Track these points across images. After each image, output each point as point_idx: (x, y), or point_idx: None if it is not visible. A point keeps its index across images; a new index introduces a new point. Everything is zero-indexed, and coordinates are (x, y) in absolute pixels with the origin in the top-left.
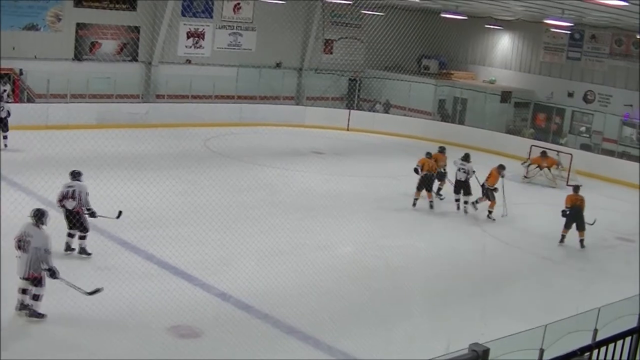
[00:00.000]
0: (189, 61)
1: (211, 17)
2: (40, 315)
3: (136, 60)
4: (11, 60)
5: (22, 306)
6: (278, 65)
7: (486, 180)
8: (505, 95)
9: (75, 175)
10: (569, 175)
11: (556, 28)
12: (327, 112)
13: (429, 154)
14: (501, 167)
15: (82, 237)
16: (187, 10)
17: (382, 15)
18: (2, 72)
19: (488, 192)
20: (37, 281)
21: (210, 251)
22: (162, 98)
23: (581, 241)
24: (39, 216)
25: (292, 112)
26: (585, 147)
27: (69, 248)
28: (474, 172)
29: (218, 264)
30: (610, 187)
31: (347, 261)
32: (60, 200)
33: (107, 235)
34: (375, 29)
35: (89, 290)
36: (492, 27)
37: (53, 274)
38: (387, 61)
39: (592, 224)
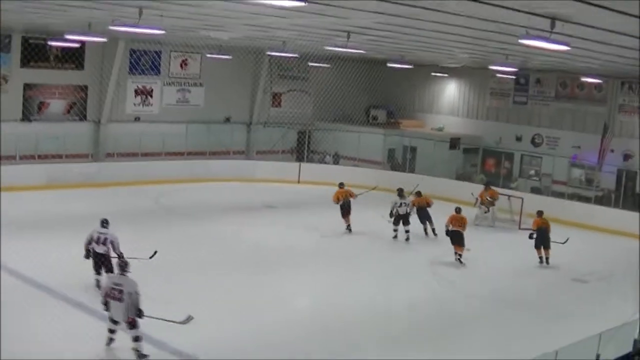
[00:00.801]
0: (137, 119)
1: (159, 73)
2: (144, 356)
3: (85, 119)
4: None
5: (110, 341)
6: (227, 120)
7: (450, 224)
8: (454, 142)
9: (105, 223)
10: (520, 219)
11: (501, 73)
12: (277, 166)
13: (341, 184)
14: (459, 210)
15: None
16: (134, 68)
17: (328, 67)
18: None
19: (454, 236)
20: (133, 324)
21: (162, 308)
22: (112, 156)
23: (547, 259)
24: (124, 266)
25: (243, 167)
26: (535, 190)
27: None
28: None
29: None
30: (562, 229)
31: (303, 316)
32: (89, 244)
33: (59, 296)
34: (322, 81)
35: (179, 320)
36: (438, 74)
37: (140, 313)
38: (335, 112)
39: (563, 243)
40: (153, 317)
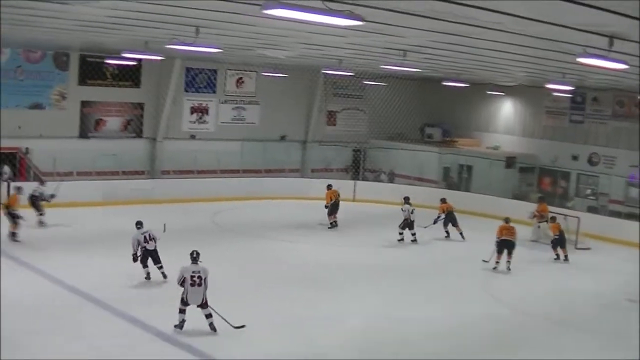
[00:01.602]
0: (193, 136)
1: (214, 92)
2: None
3: (141, 137)
4: (17, 139)
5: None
6: (282, 138)
7: (500, 234)
8: (510, 161)
9: (140, 224)
10: (577, 238)
11: (557, 92)
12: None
13: (330, 186)
14: (507, 220)
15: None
16: (190, 86)
17: (384, 86)
18: (7, 151)
19: (504, 245)
20: (206, 304)
21: (218, 324)
22: (167, 174)
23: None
24: (197, 255)
25: (298, 185)
26: (592, 209)
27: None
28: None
29: (226, 337)
30: (618, 249)
31: (356, 334)
32: (139, 245)
33: (114, 312)
34: (377, 99)
35: (235, 325)
36: (494, 93)
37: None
38: (390, 131)
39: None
40: (215, 311)
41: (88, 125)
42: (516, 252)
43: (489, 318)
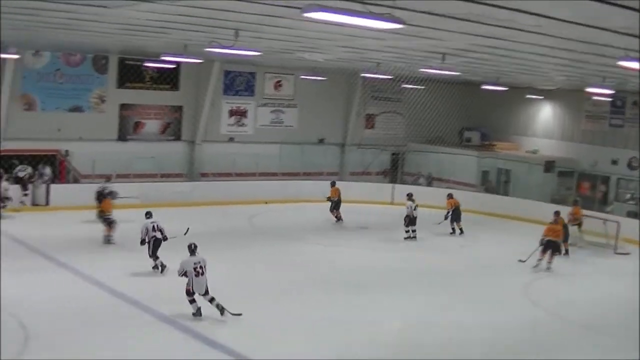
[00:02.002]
0: (232, 139)
1: (253, 95)
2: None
3: (180, 139)
4: (57, 142)
5: (198, 312)
6: (321, 141)
7: (546, 234)
8: (549, 165)
9: (149, 215)
10: (616, 243)
11: (597, 96)
12: (370, 187)
13: (334, 183)
14: (557, 214)
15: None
16: (229, 89)
17: (422, 89)
18: (47, 153)
19: (549, 245)
20: (207, 291)
21: (257, 327)
22: (206, 176)
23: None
24: (195, 247)
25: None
26: (631, 214)
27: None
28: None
29: (266, 340)
30: None
31: (396, 337)
32: (147, 233)
33: (153, 313)
34: (416, 103)
35: (233, 312)
36: (533, 97)
37: None
38: (428, 134)
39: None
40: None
41: (127, 128)
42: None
43: (526, 323)
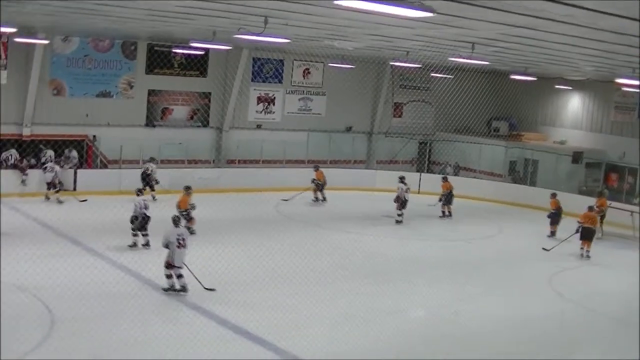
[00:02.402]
0: (259, 126)
1: (281, 82)
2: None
3: (207, 126)
4: (84, 127)
5: (171, 288)
6: (348, 129)
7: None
8: (577, 156)
9: (140, 191)
10: None
11: (627, 87)
12: (397, 176)
13: (317, 166)
14: (591, 208)
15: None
16: (257, 76)
17: (451, 78)
18: (75, 138)
19: (584, 232)
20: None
21: (282, 315)
22: (233, 163)
23: (587, 250)
24: (179, 219)
25: (363, 176)
26: None
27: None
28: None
29: (290, 329)
30: None
31: (420, 326)
32: (140, 209)
33: (179, 298)
34: (444, 92)
35: (206, 286)
36: (562, 87)
37: None
38: (456, 123)
39: None
40: (189, 269)
41: (154, 114)
42: (576, 249)
43: (551, 314)
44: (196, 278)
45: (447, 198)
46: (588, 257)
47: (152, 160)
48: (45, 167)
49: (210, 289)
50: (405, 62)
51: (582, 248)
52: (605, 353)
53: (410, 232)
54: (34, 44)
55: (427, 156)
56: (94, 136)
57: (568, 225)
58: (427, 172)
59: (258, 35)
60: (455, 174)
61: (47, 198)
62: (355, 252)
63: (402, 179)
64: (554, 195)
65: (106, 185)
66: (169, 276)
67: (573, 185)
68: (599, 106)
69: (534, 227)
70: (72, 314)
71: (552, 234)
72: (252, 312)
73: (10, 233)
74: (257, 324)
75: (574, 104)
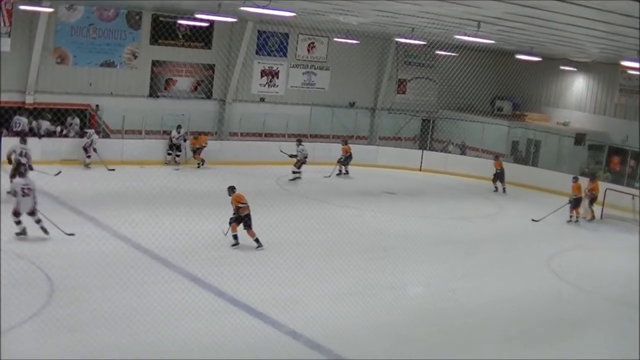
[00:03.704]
0: (262, 99)
1: (285, 56)
2: (47, 232)
3: (210, 98)
4: (88, 97)
5: (22, 233)
6: (352, 104)
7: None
8: (580, 138)
9: (24, 141)
10: None
11: (632, 70)
12: (399, 152)
13: (300, 140)
14: (576, 179)
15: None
16: (261, 49)
17: (455, 56)
18: (78, 107)
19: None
20: (34, 212)
21: (281, 289)
22: (235, 136)
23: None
24: (26, 170)
25: (365, 152)
26: None
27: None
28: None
29: (289, 302)
30: None
31: (418, 302)
32: (15, 154)
33: (178, 270)
34: (448, 70)
35: (67, 232)
36: (566, 68)
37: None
38: (460, 102)
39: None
40: (45, 216)
41: (158, 84)
42: (576, 230)
43: (549, 294)
44: (53, 223)
45: (500, 175)
46: (577, 221)
47: (179, 128)
48: (86, 133)
49: (70, 234)
50: (410, 38)
51: (571, 216)
52: (602, 333)
53: (410, 208)
54: (38, 12)
55: (430, 134)
56: (97, 105)
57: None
58: (430, 149)
59: (264, 7)
60: (462, 154)
61: (87, 166)
62: (355, 227)
63: (299, 142)
64: (575, 180)
65: (108, 155)
66: (17, 222)
67: (575, 166)
68: (604, 88)
69: (535, 207)
70: (71, 283)
71: (573, 218)
72: (251, 285)
73: (9, 201)
74: (256, 298)
75: (579, 86)
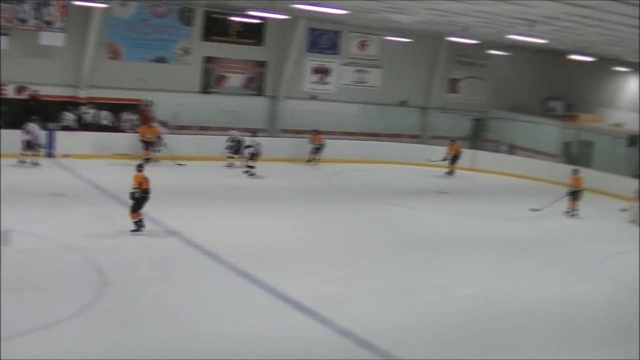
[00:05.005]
0: (314, 97)
1: (337, 53)
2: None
3: (262, 95)
4: (140, 92)
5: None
6: (403, 103)
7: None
8: (633, 139)
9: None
10: None
11: None
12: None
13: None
14: (575, 171)
15: None
16: (313, 47)
17: (508, 56)
18: (130, 102)
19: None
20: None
21: (333, 287)
22: (286, 133)
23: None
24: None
25: (416, 151)
26: None
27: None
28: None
29: (340, 300)
30: None
31: (469, 303)
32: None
33: (229, 266)
34: (501, 69)
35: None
36: (620, 69)
37: None
38: (512, 101)
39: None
40: None
41: (210, 81)
42: (631, 233)
43: (601, 297)
44: None
45: (454, 159)
46: (575, 214)
47: (255, 134)
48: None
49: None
50: (462, 37)
51: (570, 208)
52: None
53: (460, 208)
54: (92, 8)
55: (481, 133)
56: (149, 100)
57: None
58: (481, 149)
59: (316, 5)
60: (511, 153)
61: (155, 160)
62: (404, 226)
63: (255, 134)
64: (575, 172)
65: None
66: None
67: (628, 168)
68: None
69: (587, 209)
70: (123, 277)
71: (570, 211)
72: (301, 282)
73: (64, 194)
74: (306, 295)
75: (633, 87)
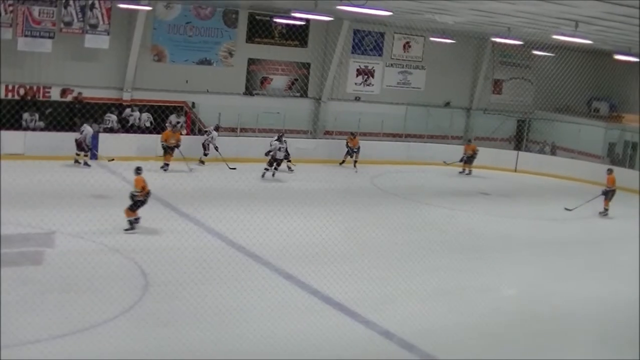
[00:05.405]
0: (357, 98)
1: (381, 55)
2: None
3: (306, 96)
4: (184, 94)
5: None
6: (447, 104)
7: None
8: None
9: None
10: None
11: None
12: (494, 153)
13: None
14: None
15: None
16: (357, 48)
17: (552, 56)
18: (175, 104)
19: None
20: None
21: (374, 288)
22: (330, 134)
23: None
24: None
25: (460, 152)
26: None
27: None
28: None
29: (382, 302)
30: None
31: (512, 304)
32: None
33: (272, 267)
34: (545, 70)
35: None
36: None
37: None
38: (556, 102)
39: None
40: None
41: (253, 82)
42: None
43: None
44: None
45: (469, 159)
46: (606, 214)
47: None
48: (206, 131)
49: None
50: (506, 38)
51: (605, 208)
52: None
53: (504, 209)
54: (136, 10)
55: (526, 134)
56: (193, 103)
57: None
58: (525, 150)
59: (360, 6)
60: (552, 154)
61: (202, 162)
62: (448, 227)
63: (279, 137)
64: (610, 172)
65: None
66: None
67: None
68: None
69: (630, 210)
70: (165, 278)
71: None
72: (343, 283)
73: (107, 196)
74: (348, 296)
75: None
